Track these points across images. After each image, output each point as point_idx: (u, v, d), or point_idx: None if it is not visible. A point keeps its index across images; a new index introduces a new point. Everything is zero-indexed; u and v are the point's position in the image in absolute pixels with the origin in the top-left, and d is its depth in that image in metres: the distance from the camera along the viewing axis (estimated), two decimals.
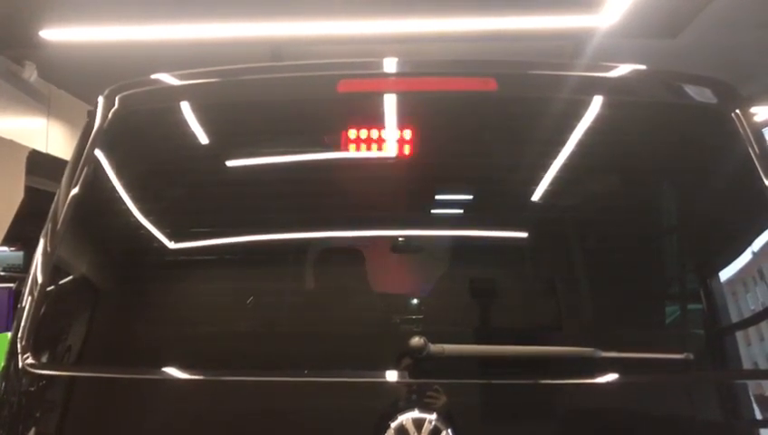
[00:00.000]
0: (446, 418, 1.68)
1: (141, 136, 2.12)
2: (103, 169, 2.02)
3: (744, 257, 1.93)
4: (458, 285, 1.92)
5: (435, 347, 1.70)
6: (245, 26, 6.18)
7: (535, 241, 1.95)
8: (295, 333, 1.87)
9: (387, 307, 1.90)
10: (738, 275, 1.91)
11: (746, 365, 1.83)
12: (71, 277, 1.97)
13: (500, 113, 2.09)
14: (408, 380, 1.73)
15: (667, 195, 2.08)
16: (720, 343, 1.89)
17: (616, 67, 2.15)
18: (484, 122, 2.08)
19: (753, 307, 1.89)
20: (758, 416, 1.79)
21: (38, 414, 1.84)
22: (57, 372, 1.84)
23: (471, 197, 2.05)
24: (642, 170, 2.03)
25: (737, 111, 2.04)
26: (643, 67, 2.17)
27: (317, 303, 1.93)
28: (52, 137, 8.05)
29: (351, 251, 1.96)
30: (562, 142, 1.98)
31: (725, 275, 1.91)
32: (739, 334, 1.88)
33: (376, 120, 2.01)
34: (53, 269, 1.92)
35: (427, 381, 1.72)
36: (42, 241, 1.98)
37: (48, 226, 1.99)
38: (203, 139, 2.06)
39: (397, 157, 1.99)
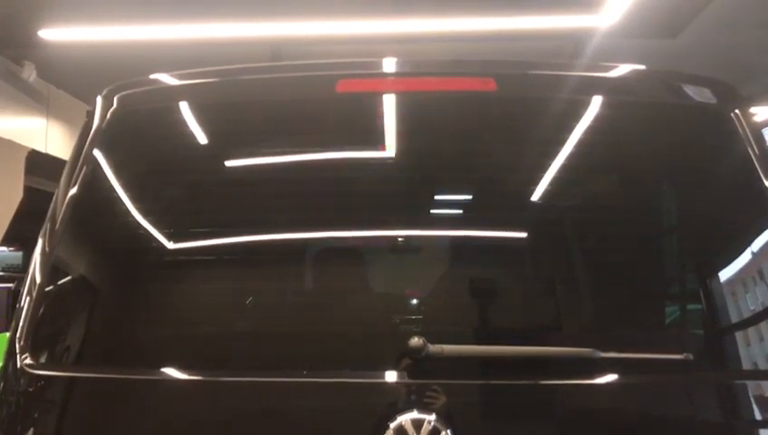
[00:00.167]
0: (446, 418, 1.67)
1: (140, 136, 2.12)
2: (102, 169, 2.02)
3: (744, 258, 1.93)
4: (457, 286, 1.92)
5: (434, 347, 1.70)
6: (245, 26, 6.17)
7: (535, 241, 1.94)
8: (294, 334, 1.86)
9: (386, 307, 1.90)
10: (738, 276, 1.91)
11: (746, 366, 1.82)
12: (69, 277, 1.97)
13: (499, 113, 2.08)
14: (406, 380, 1.72)
15: (666, 195, 2.08)
16: (720, 343, 1.88)
17: (615, 67, 2.15)
18: (483, 123, 2.08)
19: (752, 307, 1.89)
20: (758, 416, 1.79)
21: (36, 415, 1.83)
22: (55, 372, 1.84)
23: (470, 197, 2.05)
24: (641, 171, 2.03)
25: (737, 110, 2.04)
26: (642, 67, 2.16)
27: (316, 303, 1.92)
28: (51, 137, 8.04)
29: (350, 251, 1.96)
30: (562, 142, 1.98)
31: (725, 275, 1.91)
32: (739, 335, 1.88)
33: (375, 120, 2.00)
34: (52, 269, 1.92)
35: (426, 381, 1.72)
36: (40, 241, 1.98)
37: (46, 226, 1.99)
38: (202, 139, 2.06)
39: (395, 157, 1.99)
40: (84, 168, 2.02)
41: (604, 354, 1.74)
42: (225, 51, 6.22)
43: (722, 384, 1.83)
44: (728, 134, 2.01)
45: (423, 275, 1.94)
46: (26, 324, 1.86)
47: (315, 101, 2.08)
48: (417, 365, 1.71)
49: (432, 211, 2.05)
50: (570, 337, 1.86)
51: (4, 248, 12.84)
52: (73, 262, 1.97)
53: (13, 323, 1.90)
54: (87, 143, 2.06)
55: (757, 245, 1.93)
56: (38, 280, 1.90)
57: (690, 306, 1.96)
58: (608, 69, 2.16)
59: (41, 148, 7.85)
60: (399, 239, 1.96)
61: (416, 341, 1.69)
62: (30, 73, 7.29)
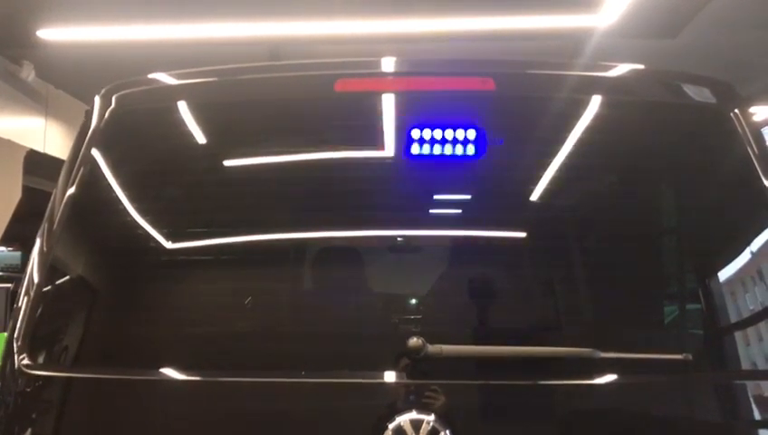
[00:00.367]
0: (445, 419, 1.67)
1: (138, 135, 2.12)
2: (100, 169, 2.02)
3: (743, 257, 1.93)
4: (456, 286, 1.92)
5: (433, 348, 1.69)
6: (243, 26, 6.17)
7: (533, 241, 1.94)
8: (292, 334, 1.86)
9: (385, 308, 1.90)
10: (737, 276, 1.90)
11: (745, 366, 1.82)
12: (67, 277, 1.96)
13: (498, 113, 2.08)
14: (405, 380, 1.72)
15: (665, 195, 2.08)
16: (719, 343, 1.88)
17: (614, 67, 2.14)
18: (482, 122, 2.08)
19: (751, 307, 1.89)
20: (757, 416, 1.79)
21: (34, 415, 1.83)
22: (53, 372, 1.83)
23: (469, 197, 2.04)
24: (640, 170, 2.03)
25: (736, 110, 2.04)
26: (642, 67, 2.16)
27: (314, 303, 1.92)
28: (49, 137, 8.03)
29: (349, 251, 1.96)
30: (560, 142, 1.98)
31: (724, 275, 1.91)
32: (738, 335, 1.88)
33: (373, 120, 2.00)
34: (50, 269, 1.91)
35: (425, 381, 1.72)
36: (38, 241, 1.97)
37: (44, 225, 1.99)
38: (200, 138, 2.05)
39: (394, 157, 1.98)
40: (82, 167, 2.01)
41: (603, 354, 1.74)
42: (223, 50, 6.21)
43: (721, 384, 1.83)
44: (727, 134, 2.01)
45: (422, 275, 1.94)
46: (24, 325, 1.86)
47: (314, 101, 2.08)
48: (415, 365, 1.71)
49: (431, 211, 2.04)
50: (569, 337, 1.86)
51: (2, 248, 12.82)
52: (71, 262, 1.97)
53: (10, 324, 1.90)
54: (85, 143, 2.06)
55: (756, 244, 1.93)
56: (36, 280, 1.90)
57: (689, 306, 1.96)
58: (607, 68, 2.15)
59: (39, 148, 7.84)
60: (398, 239, 1.96)
61: (415, 341, 1.69)
62: (29, 73, 7.29)
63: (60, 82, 8.01)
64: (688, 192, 2.03)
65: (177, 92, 2.13)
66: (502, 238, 1.96)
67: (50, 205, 2.02)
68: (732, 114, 2.03)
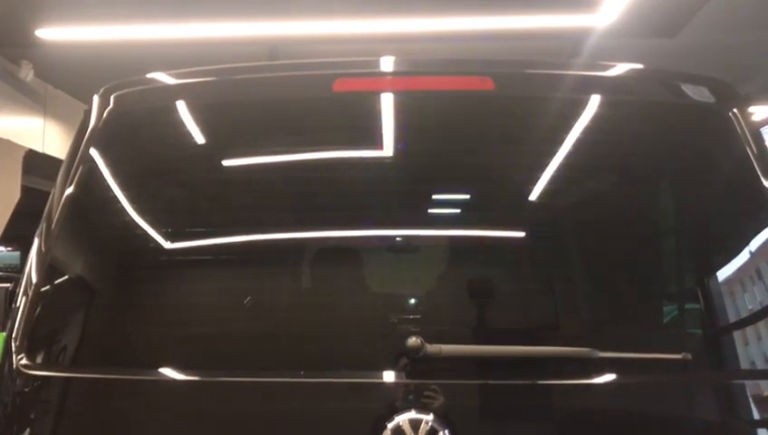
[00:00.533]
0: (443, 418, 1.67)
1: (136, 135, 2.11)
2: (98, 169, 2.01)
3: (742, 257, 1.92)
4: (455, 285, 1.92)
5: (432, 347, 1.69)
6: (242, 26, 6.17)
7: (532, 241, 1.94)
8: (291, 334, 1.86)
9: (383, 307, 1.89)
10: (736, 275, 1.90)
11: (744, 365, 1.82)
12: (65, 277, 1.96)
13: (497, 113, 2.08)
14: (404, 380, 1.72)
15: (663, 194, 2.08)
16: (718, 342, 1.88)
17: (613, 66, 2.14)
18: (481, 122, 2.08)
19: (750, 307, 1.89)
20: (755, 416, 1.79)
21: (32, 415, 1.83)
22: (51, 372, 1.83)
23: (468, 196, 2.04)
24: (639, 169, 2.03)
25: (735, 110, 2.04)
26: (640, 66, 2.16)
27: (313, 303, 1.92)
28: (48, 136, 8.03)
29: (348, 251, 1.95)
30: (559, 141, 1.98)
31: (723, 274, 1.91)
32: (737, 334, 1.88)
33: (372, 120, 2.00)
34: (48, 269, 1.91)
35: (424, 381, 1.71)
36: (36, 241, 1.97)
37: (42, 225, 1.98)
38: (198, 138, 2.05)
39: (393, 156, 1.98)
40: (81, 167, 2.01)
41: (602, 354, 1.74)
42: (222, 50, 6.20)
43: (720, 384, 1.83)
44: (726, 133, 2.01)
45: (421, 274, 1.94)
46: (22, 325, 1.86)
47: (312, 101, 2.08)
48: (414, 365, 1.71)
49: (429, 211, 2.04)
50: (568, 337, 1.86)
51: (1, 248, 12.80)
52: (70, 262, 1.96)
53: (8, 324, 1.90)
54: (83, 143, 2.05)
55: (755, 244, 1.93)
56: (34, 280, 1.90)
57: (688, 306, 1.96)
58: (606, 68, 2.15)
59: (38, 147, 7.84)
60: (397, 239, 1.96)
61: (413, 341, 1.69)
62: (27, 73, 7.28)
63: (58, 82, 8.00)
64: (686, 192, 2.03)
65: (176, 92, 2.13)
66: (500, 238, 1.96)
67: (48, 204, 2.02)
68: (730, 114, 2.03)
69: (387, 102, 2.04)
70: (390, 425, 1.66)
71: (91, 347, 1.87)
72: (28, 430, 1.80)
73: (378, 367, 1.75)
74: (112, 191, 1.98)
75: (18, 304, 1.89)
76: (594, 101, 2.05)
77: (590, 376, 1.75)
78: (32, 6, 5.97)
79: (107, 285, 1.96)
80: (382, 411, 1.68)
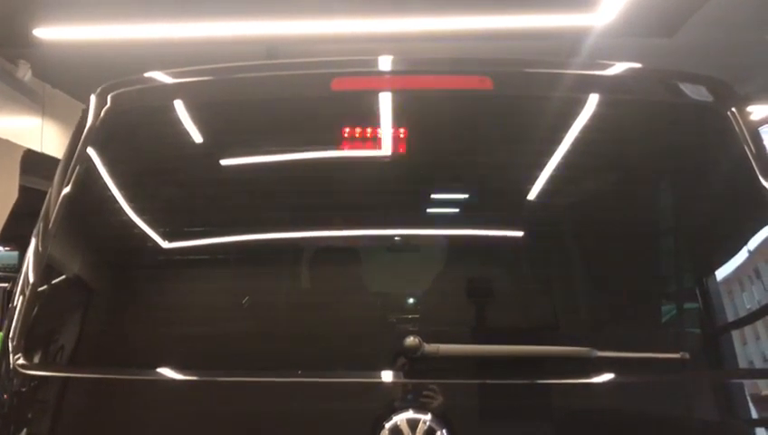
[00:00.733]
0: (441, 418, 1.67)
1: (134, 134, 2.11)
2: (95, 168, 2.01)
3: (741, 256, 1.92)
4: (453, 285, 1.91)
5: (429, 347, 1.69)
6: (241, 25, 6.17)
7: (531, 240, 1.94)
8: (289, 334, 1.85)
9: (382, 307, 1.89)
10: (734, 274, 1.90)
11: (742, 364, 1.82)
12: (63, 277, 1.95)
13: (495, 112, 2.08)
14: (402, 380, 1.72)
15: (662, 193, 2.07)
16: (716, 342, 1.88)
17: (612, 65, 2.14)
18: (479, 121, 2.07)
19: (749, 306, 1.89)
20: (754, 415, 1.79)
21: (29, 415, 1.82)
22: (48, 372, 1.83)
23: (466, 196, 2.04)
24: (638, 169, 2.03)
25: (733, 109, 2.04)
26: (639, 65, 2.16)
27: (311, 303, 1.92)
28: (46, 136, 8.02)
29: (346, 250, 1.95)
30: (558, 141, 1.98)
31: (721, 273, 1.91)
32: (735, 334, 1.87)
33: (370, 119, 1.99)
34: (45, 269, 1.90)
35: (422, 381, 1.71)
36: (33, 240, 1.97)
37: (40, 225, 1.98)
38: (196, 137, 2.05)
39: (391, 156, 1.98)
40: (78, 166, 2.01)
41: (601, 353, 1.73)
42: (220, 49, 6.20)
43: (718, 383, 1.83)
44: (724, 132, 2.01)
45: (419, 274, 1.93)
46: (19, 324, 1.85)
47: (310, 100, 2.07)
48: (412, 365, 1.71)
49: (428, 210, 2.04)
50: (566, 336, 1.86)
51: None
52: (67, 261, 1.96)
53: (5, 323, 1.89)
54: (81, 142, 2.05)
55: (753, 243, 1.93)
56: (31, 280, 1.89)
57: (686, 305, 1.96)
58: (604, 67, 2.15)
59: (36, 147, 7.83)
60: (395, 238, 1.96)
61: (411, 340, 1.69)
62: (25, 73, 7.27)
63: (56, 82, 7.99)
64: (685, 191, 2.03)
65: (173, 91, 2.13)
66: (499, 237, 1.95)
67: (45, 204, 2.01)
68: (729, 113, 2.03)
69: (385, 102, 2.04)
70: (388, 425, 1.66)
71: (88, 347, 1.86)
72: (25, 430, 1.80)
73: (376, 367, 1.74)
74: (110, 191, 1.98)
75: (15, 303, 1.89)
76: (593, 101, 2.04)
77: (588, 375, 1.75)
78: (29, 6, 5.97)
79: (104, 284, 1.96)
80: (380, 411, 1.68)
